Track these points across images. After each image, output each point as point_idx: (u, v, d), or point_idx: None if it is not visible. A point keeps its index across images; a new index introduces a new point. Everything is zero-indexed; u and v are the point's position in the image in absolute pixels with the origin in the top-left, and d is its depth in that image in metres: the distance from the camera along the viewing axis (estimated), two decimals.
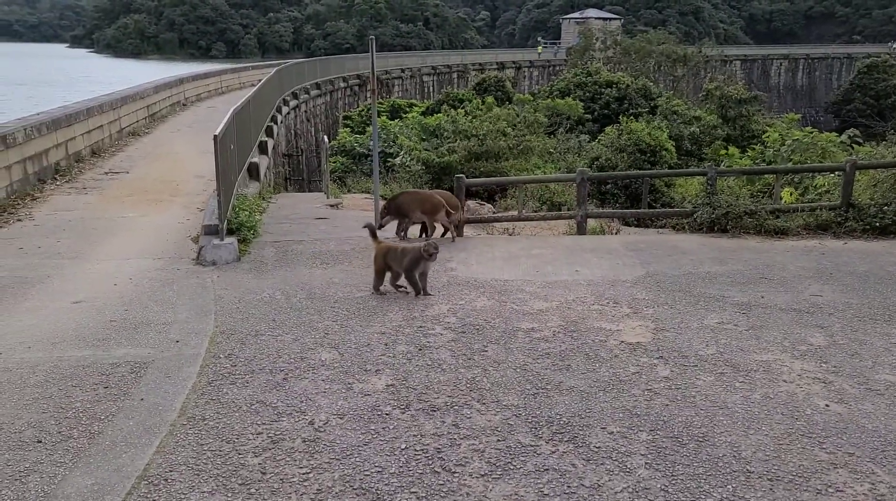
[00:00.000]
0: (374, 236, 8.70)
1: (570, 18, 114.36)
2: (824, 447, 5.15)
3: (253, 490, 4.68)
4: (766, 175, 15.73)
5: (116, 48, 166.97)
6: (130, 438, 5.29)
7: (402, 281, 8.31)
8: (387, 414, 5.62)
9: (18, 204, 12.57)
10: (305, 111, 39.18)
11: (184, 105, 30.70)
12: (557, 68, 77.49)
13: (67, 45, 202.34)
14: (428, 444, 5.20)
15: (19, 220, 11.78)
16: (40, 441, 5.23)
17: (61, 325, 7.39)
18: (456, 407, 5.72)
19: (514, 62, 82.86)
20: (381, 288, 8.36)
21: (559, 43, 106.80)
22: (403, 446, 5.18)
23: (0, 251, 10.03)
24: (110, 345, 6.92)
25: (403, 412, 5.65)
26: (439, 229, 10.98)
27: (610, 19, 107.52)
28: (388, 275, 8.36)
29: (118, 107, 20.68)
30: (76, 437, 5.28)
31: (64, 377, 6.22)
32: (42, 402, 5.80)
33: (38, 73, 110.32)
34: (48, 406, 5.73)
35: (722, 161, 23.28)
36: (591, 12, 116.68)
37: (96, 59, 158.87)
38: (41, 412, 5.65)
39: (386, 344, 6.89)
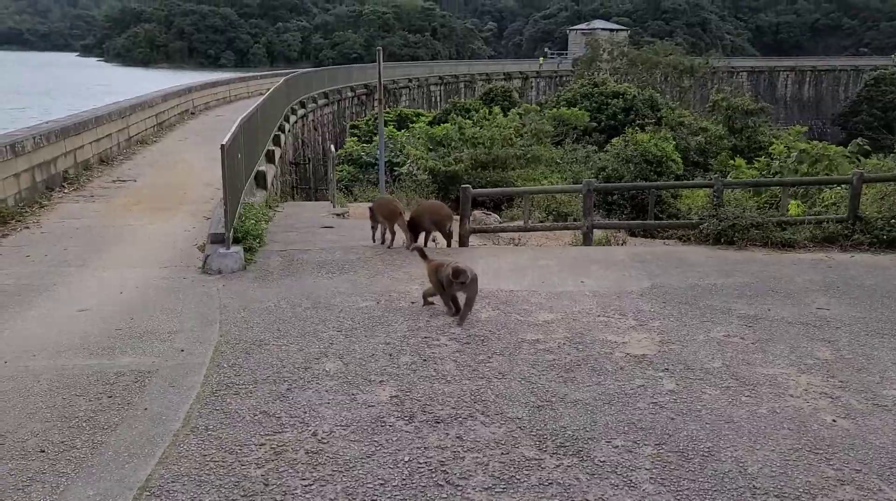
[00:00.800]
0: (423, 256, 8.58)
1: (577, 29, 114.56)
2: (831, 463, 5.09)
3: None
4: (772, 187, 15.70)
5: (126, 57, 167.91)
6: (133, 448, 5.26)
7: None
8: (391, 426, 5.58)
9: (26, 212, 12.59)
10: (313, 120, 39.31)
11: (192, 114, 30.80)
12: (564, 79, 77.59)
13: (78, 54, 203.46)
14: (432, 456, 5.16)
15: (27, 227, 11.79)
16: (43, 451, 5.20)
17: (66, 333, 7.38)
18: (460, 419, 5.68)
19: (520, 73, 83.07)
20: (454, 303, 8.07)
21: (565, 54, 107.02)
22: (407, 458, 5.14)
23: (7, 259, 10.05)
24: (115, 354, 6.90)
25: (407, 424, 5.61)
26: (399, 236, 11.05)
27: (617, 30, 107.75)
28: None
29: (127, 115, 20.75)
30: (79, 447, 5.26)
31: (68, 386, 6.21)
32: (46, 411, 5.78)
33: (54, 82, 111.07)
34: (52, 416, 5.71)
35: (728, 172, 23.25)
36: (598, 23, 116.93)
37: (107, 68, 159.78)
38: (45, 421, 5.63)
39: (390, 355, 6.86)
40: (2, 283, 8.99)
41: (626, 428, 5.53)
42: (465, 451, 5.24)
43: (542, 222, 15.78)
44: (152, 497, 4.70)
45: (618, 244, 12.94)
